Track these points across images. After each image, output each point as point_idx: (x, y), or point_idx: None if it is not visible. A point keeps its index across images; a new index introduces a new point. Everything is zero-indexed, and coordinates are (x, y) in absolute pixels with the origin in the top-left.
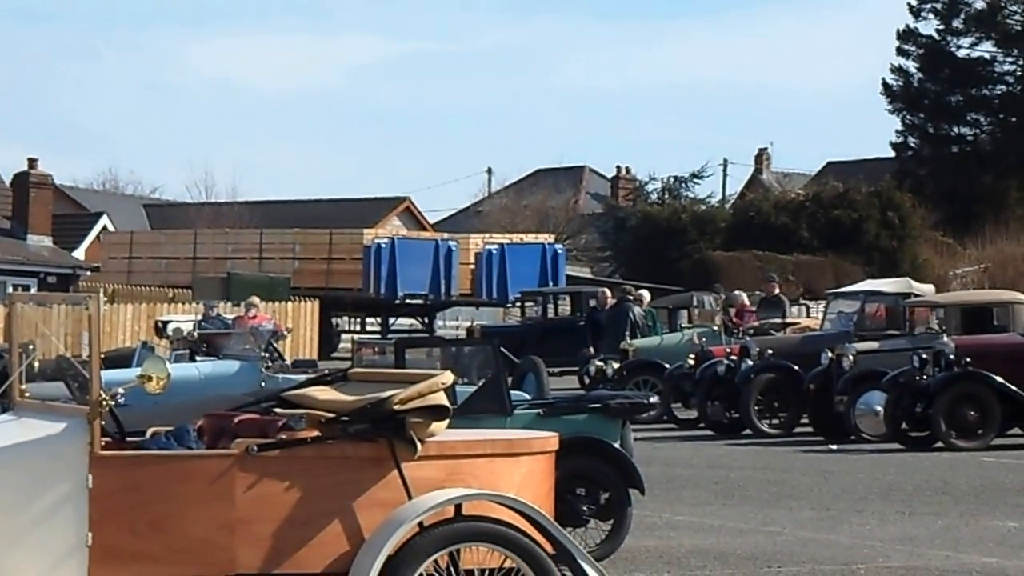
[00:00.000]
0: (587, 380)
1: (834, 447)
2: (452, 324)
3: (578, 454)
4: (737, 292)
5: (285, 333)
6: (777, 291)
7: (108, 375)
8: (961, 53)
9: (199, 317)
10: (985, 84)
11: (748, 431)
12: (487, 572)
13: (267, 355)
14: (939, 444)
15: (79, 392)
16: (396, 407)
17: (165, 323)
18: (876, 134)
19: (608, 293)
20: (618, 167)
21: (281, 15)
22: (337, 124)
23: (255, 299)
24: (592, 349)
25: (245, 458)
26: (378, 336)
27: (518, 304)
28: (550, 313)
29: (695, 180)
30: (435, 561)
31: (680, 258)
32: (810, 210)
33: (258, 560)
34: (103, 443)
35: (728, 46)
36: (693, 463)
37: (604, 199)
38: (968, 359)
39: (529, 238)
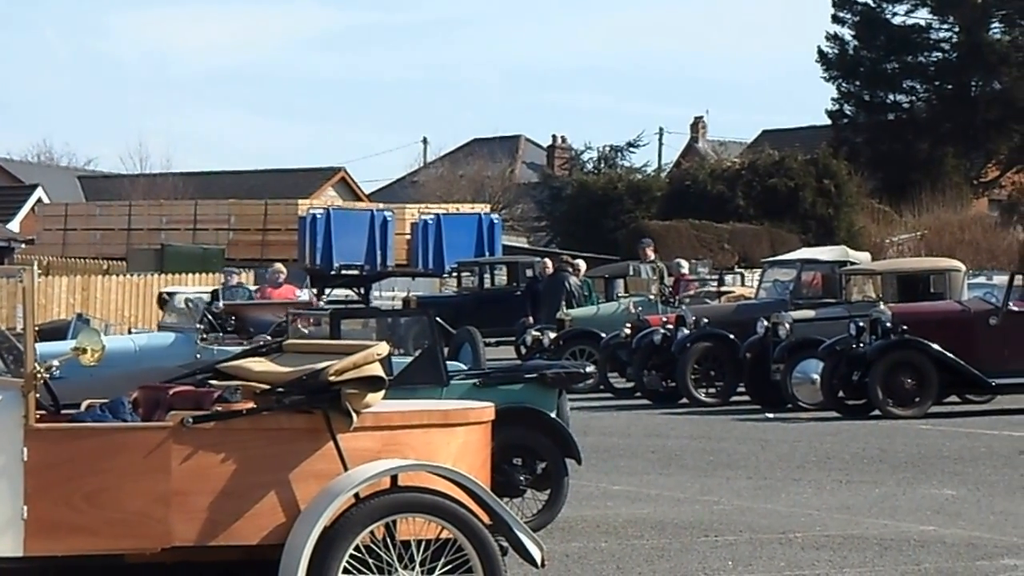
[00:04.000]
0: (523, 350)
1: (771, 416)
2: (388, 295)
3: (514, 424)
4: (677, 261)
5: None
6: (652, 256)
7: (43, 347)
8: (897, 20)
9: (214, 287)
10: (921, 51)
11: (685, 400)
12: (423, 543)
13: (203, 326)
14: (876, 412)
15: (14, 365)
16: (331, 378)
17: (171, 294)
18: (812, 102)
19: (549, 263)
20: (554, 136)
21: None
22: (272, 94)
23: (280, 266)
24: (530, 319)
25: (180, 430)
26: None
27: (454, 274)
28: (486, 283)
29: (631, 149)
30: (371, 532)
31: (616, 227)
32: (746, 178)
33: (194, 532)
34: (38, 416)
35: (664, 14)
36: (630, 433)
37: (540, 169)
38: (905, 327)
39: (465, 208)
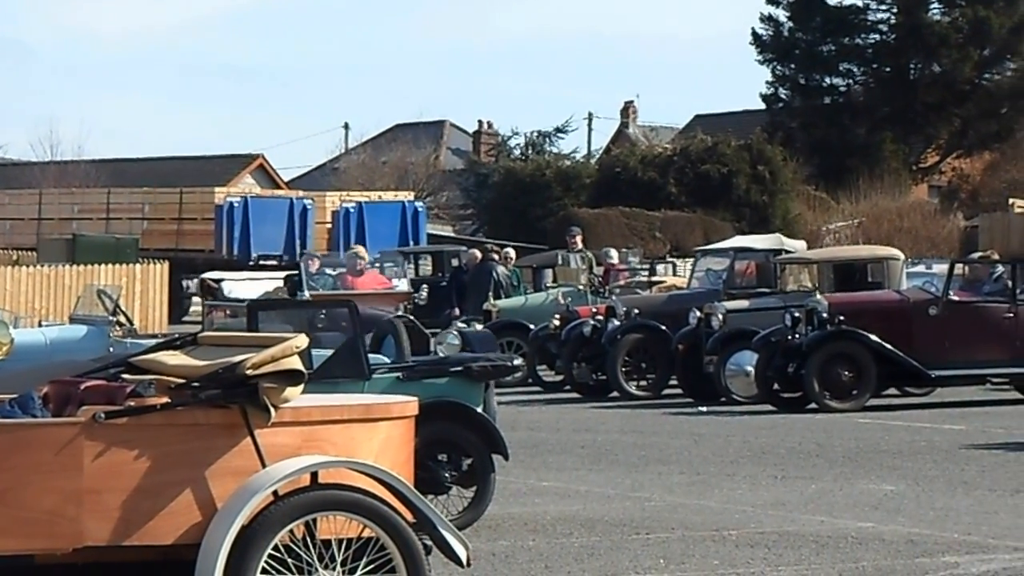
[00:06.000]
0: None
1: (704, 409)
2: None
3: (439, 419)
4: (607, 249)
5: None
6: (581, 245)
7: None
8: (833, 1)
9: (288, 274)
10: (858, 33)
11: (615, 393)
12: (345, 542)
13: (115, 318)
14: (812, 405)
15: None
16: (248, 372)
17: (217, 282)
18: (745, 86)
19: (478, 254)
20: (480, 122)
21: None
22: (188, 79)
23: (360, 248)
24: (456, 310)
25: (92, 426)
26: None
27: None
28: (411, 273)
29: (559, 135)
30: (291, 531)
31: (544, 215)
32: (678, 165)
33: (107, 532)
34: None
35: None
36: (559, 427)
37: (466, 155)
38: (842, 317)
39: (388, 196)
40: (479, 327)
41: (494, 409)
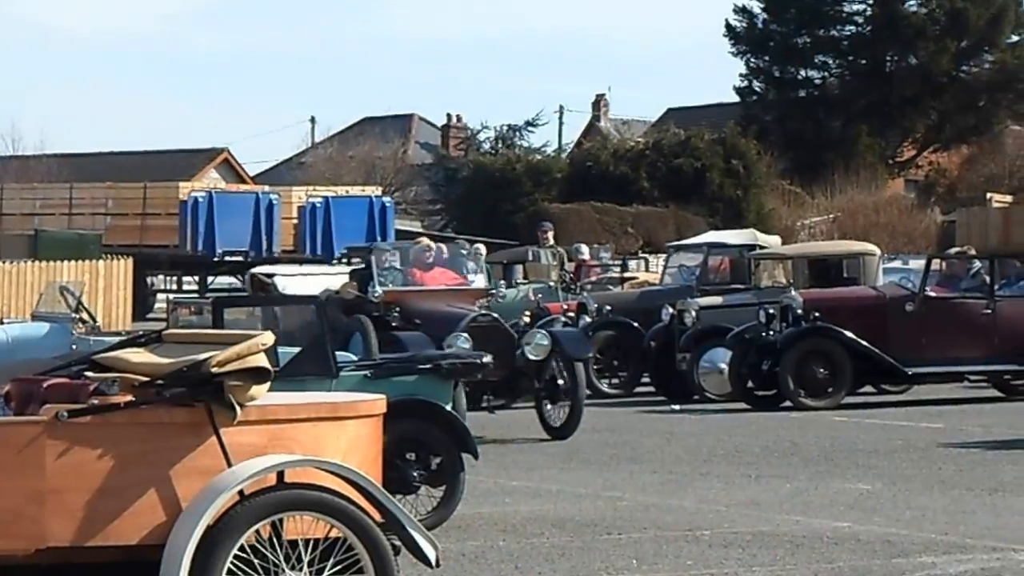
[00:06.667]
0: None
1: (677, 407)
2: None
3: (408, 417)
4: (578, 245)
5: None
6: (552, 241)
7: None
8: None
9: (353, 268)
10: (833, 25)
11: (587, 391)
12: (312, 542)
13: (78, 315)
14: (787, 403)
15: None
16: (214, 370)
17: (269, 276)
18: (719, 78)
19: (445, 249)
20: (449, 115)
21: None
22: (152, 72)
23: (427, 240)
24: None
25: (55, 425)
26: (195, 295)
27: (344, 260)
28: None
29: (530, 128)
30: (257, 531)
31: (515, 211)
32: (650, 159)
33: (70, 532)
34: None
35: None
36: (529, 425)
37: (434, 149)
38: (817, 314)
39: (355, 190)
40: None
41: (463, 407)
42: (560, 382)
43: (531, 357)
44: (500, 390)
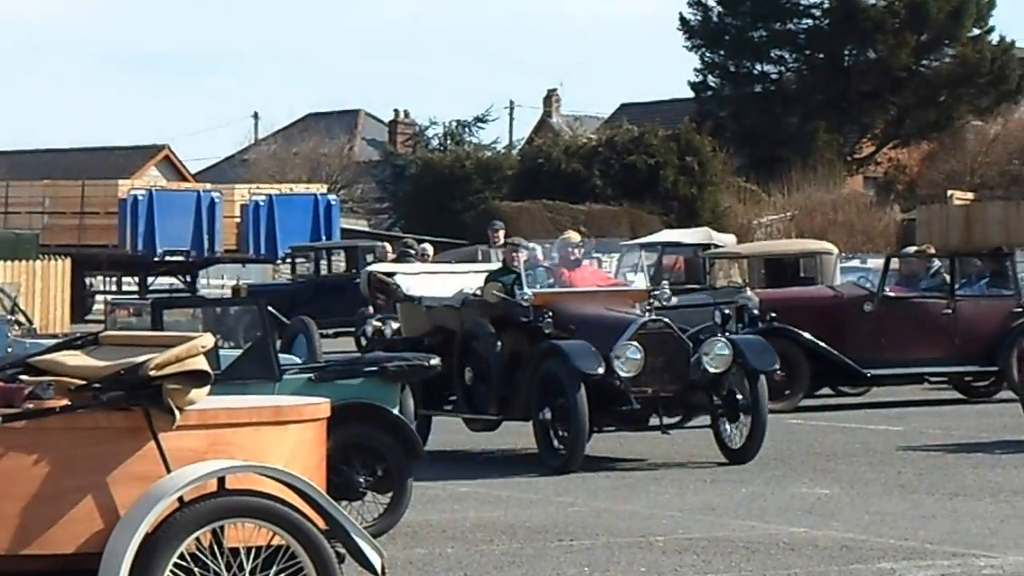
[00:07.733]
0: (364, 342)
1: None
2: (216, 283)
3: (353, 421)
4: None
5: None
6: (502, 240)
7: None
8: None
9: (486, 271)
10: (790, 18)
11: None
12: (254, 550)
13: (13, 317)
14: None
15: None
16: (152, 373)
17: (390, 275)
18: (673, 73)
19: (389, 248)
20: (396, 111)
21: None
22: (90, 67)
23: (573, 234)
24: (371, 308)
25: None
26: (135, 296)
27: (288, 260)
28: (323, 270)
29: (479, 124)
30: (197, 539)
31: (464, 209)
32: (603, 156)
33: (4, 541)
34: None
35: None
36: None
37: (381, 145)
38: (774, 314)
39: (299, 188)
40: (395, 325)
41: (410, 411)
42: (739, 397)
43: (711, 369)
44: (673, 406)
